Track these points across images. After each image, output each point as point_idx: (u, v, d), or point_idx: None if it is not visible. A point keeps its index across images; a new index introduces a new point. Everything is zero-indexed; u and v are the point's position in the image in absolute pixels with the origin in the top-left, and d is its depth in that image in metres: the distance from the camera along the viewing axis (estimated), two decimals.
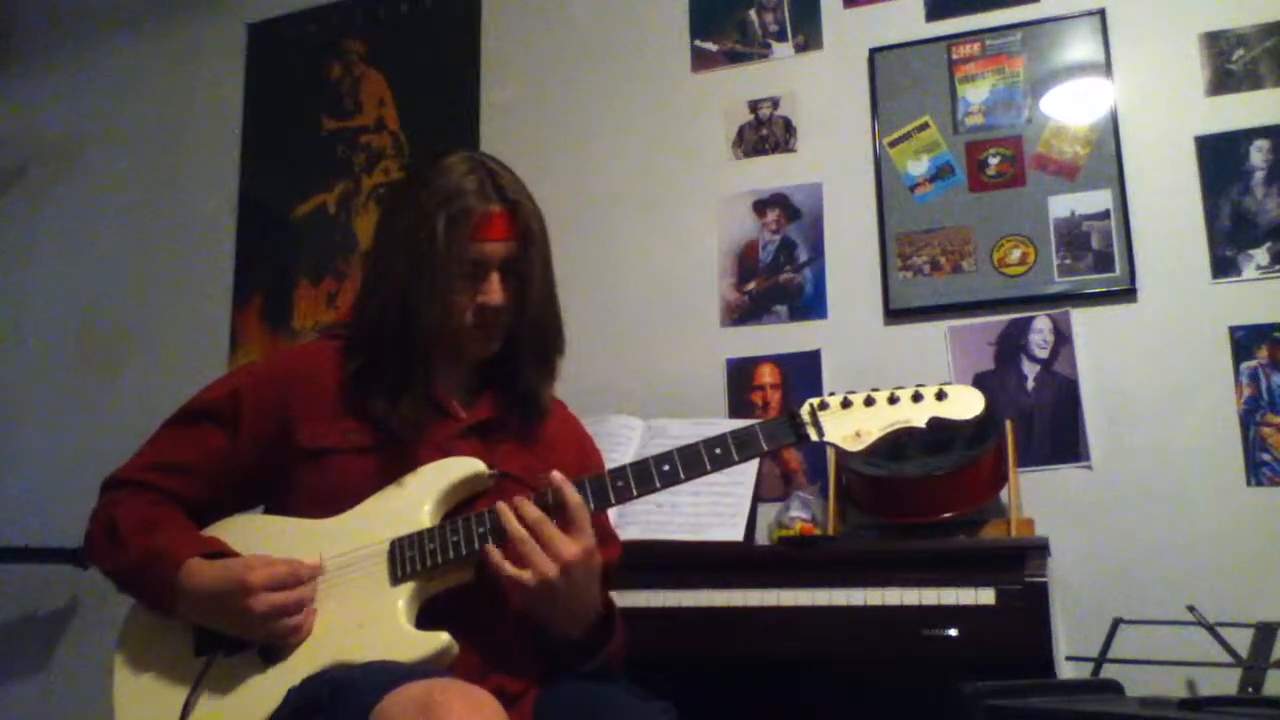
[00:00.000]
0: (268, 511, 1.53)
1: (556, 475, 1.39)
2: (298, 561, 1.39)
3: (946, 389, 1.36)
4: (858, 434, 1.36)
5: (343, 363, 1.52)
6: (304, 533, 1.44)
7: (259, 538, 1.45)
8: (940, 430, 1.36)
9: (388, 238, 1.52)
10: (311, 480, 1.46)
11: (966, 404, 1.36)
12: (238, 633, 1.37)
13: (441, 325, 1.47)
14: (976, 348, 2.38)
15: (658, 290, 2.68)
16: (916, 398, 1.36)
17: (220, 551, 1.41)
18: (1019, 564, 1.82)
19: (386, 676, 1.19)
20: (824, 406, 1.38)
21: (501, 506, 1.37)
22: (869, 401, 1.38)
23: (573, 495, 1.37)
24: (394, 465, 1.45)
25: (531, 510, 1.36)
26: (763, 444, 1.39)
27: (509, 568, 1.35)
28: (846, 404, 1.38)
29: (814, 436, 1.37)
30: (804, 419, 1.38)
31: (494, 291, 1.47)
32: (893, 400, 1.37)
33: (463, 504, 1.45)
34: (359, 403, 1.48)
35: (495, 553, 1.36)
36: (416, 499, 1.42)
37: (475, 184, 1.47)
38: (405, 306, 1.46)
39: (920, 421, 1.35)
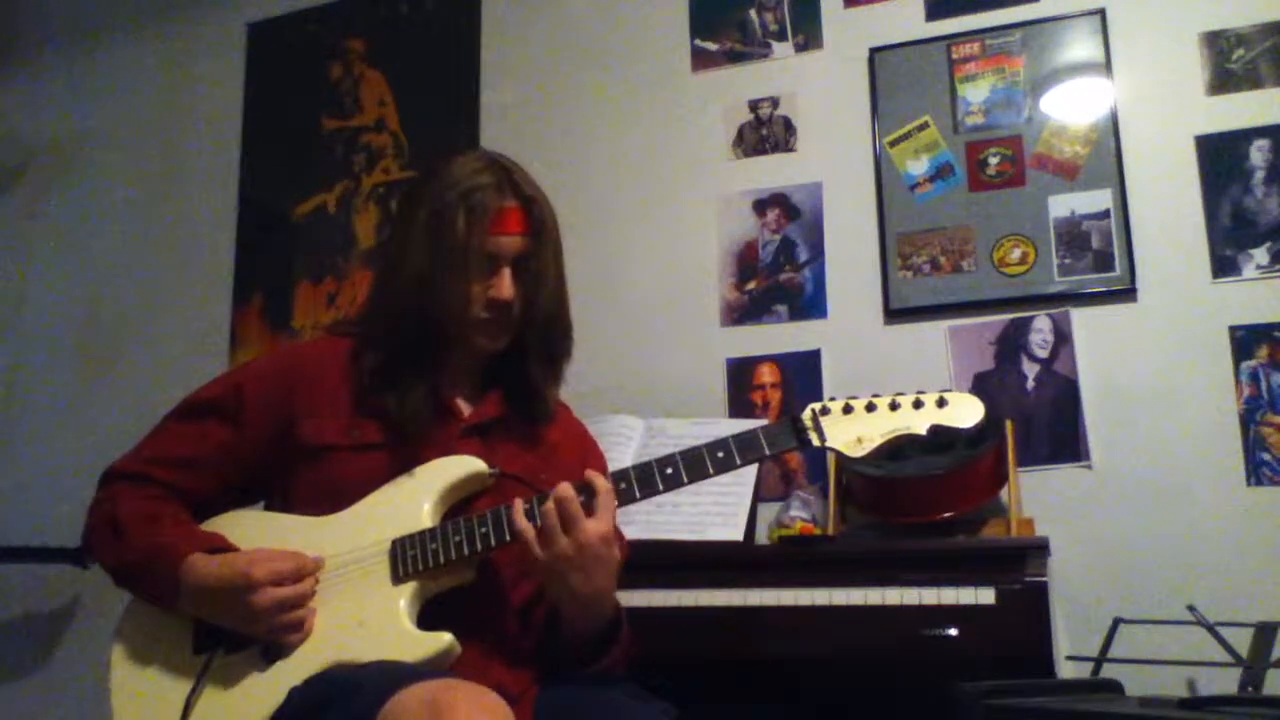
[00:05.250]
0: (268, 507, 1.54)
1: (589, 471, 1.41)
2: (301, 555, 1.40)
3: (947, 396, 1.37)
4: (859, 440, 1.37)
5: (351, 360, 1.52)
6: (304, 530, 1.44)
7: (259, 534, 1.45)
8: (941, 436, 1.36)
9: (406, 229, 1.52)
10: (313, 477, 1.47)
11: (967, 412, 1.37)
12: (240, 628, 1.38)
13: (458, 316, 1.48)
14: (976, 347, 2.38)
15: (658, 290, 2.68)
16: (918, 404, 1.37)
17: (222, 547, 1.42)
18: (1019, 564, 1.82)
19: (392, 677, 1.19)
20: (825, 412, 1.39)
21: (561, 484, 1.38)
22: (870, 407, 1.38)
23: (603, 483, 1.38)
24: (396, 463, 1.46)
25: (564, 489, 1.37)
26: (765, 448, 1.40)
27: (531, 532, 1.36)
28: (848, 409, 1.38)
29: (816, 442, 1.38)
30: (806, 424, 1.39)
31: (505, 285, 1.48)
32: (894, 406, 1.38)
33: (462, 503, 1.46)
34: (366, 400, 1.49)
35: (523, 521, 1.37)
36: (416, 498, 1.43)
37: (491, 179, 1.49)
38: (423, 295, 1.47)
39: (921, 429, 1.37)
